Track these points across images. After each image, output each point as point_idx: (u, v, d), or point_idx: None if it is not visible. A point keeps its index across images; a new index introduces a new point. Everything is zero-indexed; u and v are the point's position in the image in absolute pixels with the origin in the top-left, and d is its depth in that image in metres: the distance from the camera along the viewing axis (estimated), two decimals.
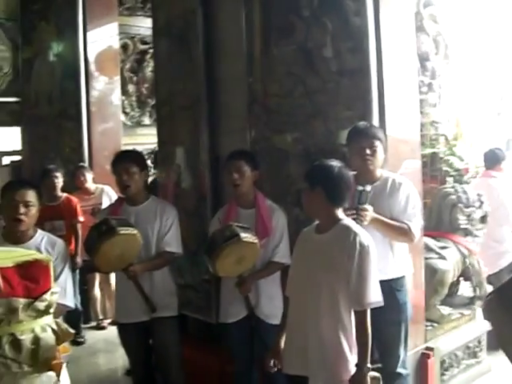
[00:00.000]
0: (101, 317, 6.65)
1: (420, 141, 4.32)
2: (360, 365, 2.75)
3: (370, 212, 3.28)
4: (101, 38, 7.26)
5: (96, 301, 6.64)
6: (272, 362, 3.09)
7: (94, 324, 6.62)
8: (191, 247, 4.66)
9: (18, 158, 9.33)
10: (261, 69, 4.38)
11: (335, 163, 2.87)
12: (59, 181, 6.04)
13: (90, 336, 6.21)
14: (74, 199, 6.14)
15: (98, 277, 6.54)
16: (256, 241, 3.43)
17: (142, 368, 3.91)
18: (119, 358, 5.27)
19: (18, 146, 9.05)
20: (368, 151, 3.43)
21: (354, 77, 3.83)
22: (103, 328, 6.54)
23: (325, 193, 2.82)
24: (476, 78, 5.98)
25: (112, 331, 5.99)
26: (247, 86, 4.47)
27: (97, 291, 6.64)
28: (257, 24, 4.40)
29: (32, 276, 1.79)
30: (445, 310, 4.70)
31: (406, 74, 4.08)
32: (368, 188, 3.31)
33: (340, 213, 2.89)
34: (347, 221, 2.91)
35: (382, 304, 2.82)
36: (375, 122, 3.74)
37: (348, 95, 3.86)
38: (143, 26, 7.88)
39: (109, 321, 6.55)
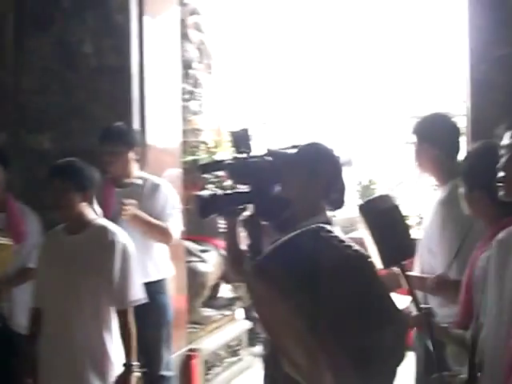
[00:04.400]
0: None
1: (181, 148, 4.39)
2: (127, 363, 2.69)
3: (131, 207, 3.22)
4: None
5: None
6: None
7: None
8: None
9: None
10: (13, 61, 4.08)
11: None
12: None
13: None
14: None
15: None
16: (9, 243, 3.18)
17: None
18: None
19: None
20: (111, 156, 3.39)
21: (114, 76, 3.79)
22: None
23: None
24: (239, 88, 6.27)
25: None
26: None
27: None
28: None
29: None
30: (207, 311, 4.81)
31: (168, 79, 4.13)
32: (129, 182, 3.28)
33: (91, 213, 2.78)
34: (102, 220, 2.82)
35: (145, 301, 2.80)
36: (135, 123, 3.73)
37: (108, 94, 3.80)
38: None
39: None
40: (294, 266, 1.12)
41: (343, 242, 1.18)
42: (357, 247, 1.19)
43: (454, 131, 2.79)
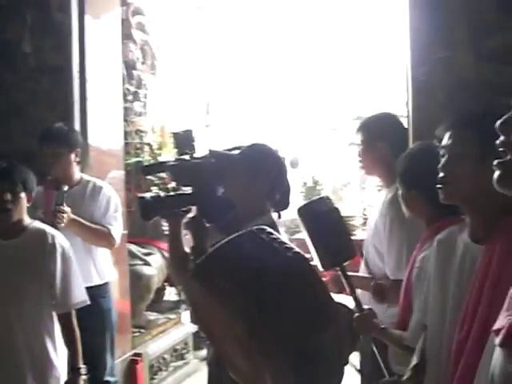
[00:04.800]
0: None
1: (124, 150, 4.34)
2: (74, 367, 2.68)
3: (67, 213, 3.14)
4: None
5: None
6: None
7: None
8: None
9: None
10: None
11: None
12: None
13: None
14: None
15: None
16: None
17: None
18: None
19: None
20: (51, 158, 3.32)
21: (55, 76, 3.70)
22: None
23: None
24: (183, 90, 6.23)
25: None
26: None
27: None
28: None
29: None
30: (151, 315, 4.76)
31: (110, 80, 4.07)
32: (65, 188, 3.18)
33: (26, 217, 2.73)
34: (39, 223, 2.77)
35: (88, 303, 2.78)
36: (76, 124, 3.67)
37: (48, 95, 3.71)
38: None
39: None
40: (233, 268, 1.11)
41: (284, 243, 1.16)
42: (297, 249, 1.18)
43: (403, 131, 2.82)
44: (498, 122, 1.06)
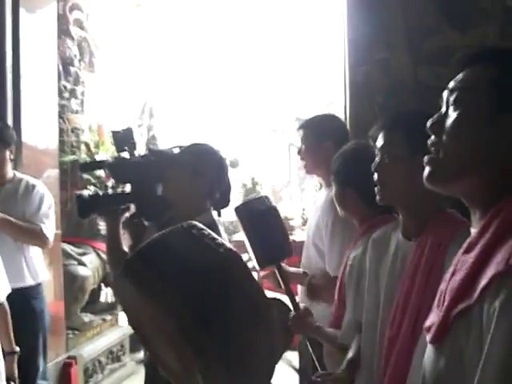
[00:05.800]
0: None
1: (60, 148, 4.24)
2: (8, 352, 2.65)
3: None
4: None
5: None
6: None
7: None
8: None
9: None
10: None
11: None
12: None
13: None
14: None
15: None
16: None
17: None
18: None
19: None
20: None
21: None
22: None
23: None
24: (121, 88, 6.14)
25: None
26: None
27: None
28: None
29: None
30: (86, 316, 4.66)
31: (45, 76, 3.97)
32: None
33: None
34: None
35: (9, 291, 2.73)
36: (9, 121, 3.57)
37: None
38: None
39: None
40: (163, 265, 1.09)
41: (215, 239, 1.15)
42: (230, 246, 1.17)
43: (347, 131, 2.83)
44: (429, 123, 1.08)
